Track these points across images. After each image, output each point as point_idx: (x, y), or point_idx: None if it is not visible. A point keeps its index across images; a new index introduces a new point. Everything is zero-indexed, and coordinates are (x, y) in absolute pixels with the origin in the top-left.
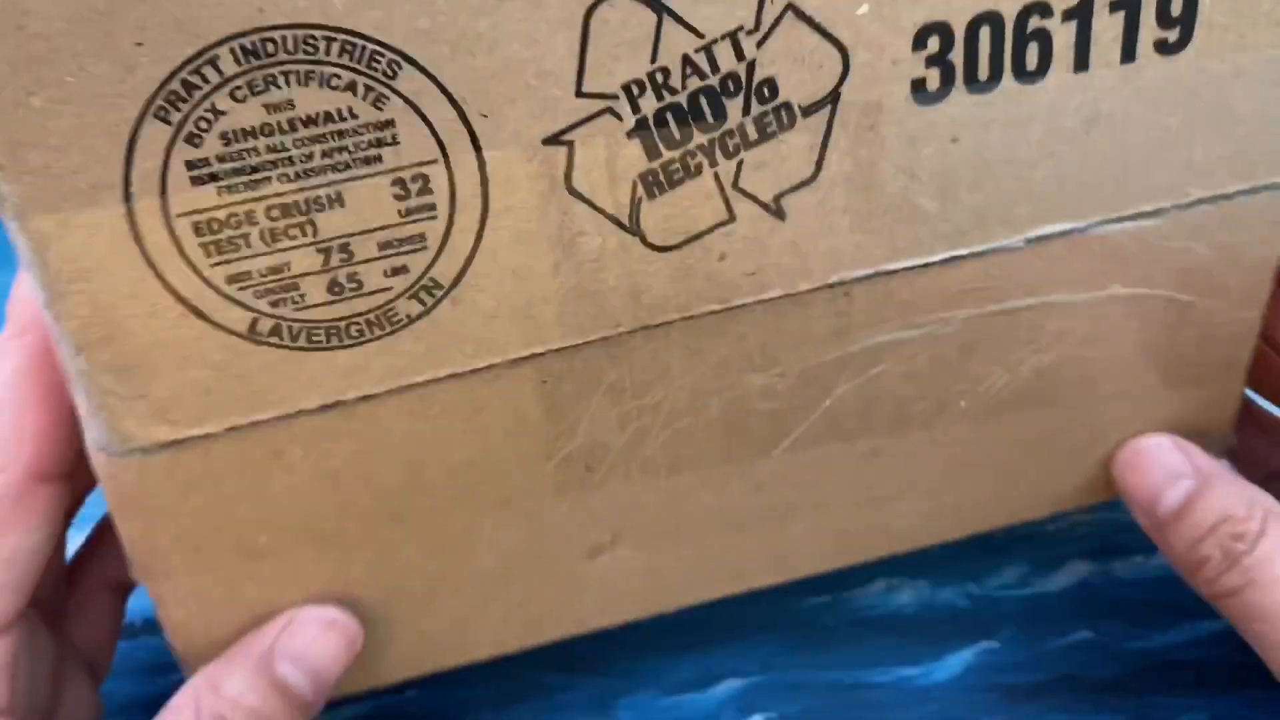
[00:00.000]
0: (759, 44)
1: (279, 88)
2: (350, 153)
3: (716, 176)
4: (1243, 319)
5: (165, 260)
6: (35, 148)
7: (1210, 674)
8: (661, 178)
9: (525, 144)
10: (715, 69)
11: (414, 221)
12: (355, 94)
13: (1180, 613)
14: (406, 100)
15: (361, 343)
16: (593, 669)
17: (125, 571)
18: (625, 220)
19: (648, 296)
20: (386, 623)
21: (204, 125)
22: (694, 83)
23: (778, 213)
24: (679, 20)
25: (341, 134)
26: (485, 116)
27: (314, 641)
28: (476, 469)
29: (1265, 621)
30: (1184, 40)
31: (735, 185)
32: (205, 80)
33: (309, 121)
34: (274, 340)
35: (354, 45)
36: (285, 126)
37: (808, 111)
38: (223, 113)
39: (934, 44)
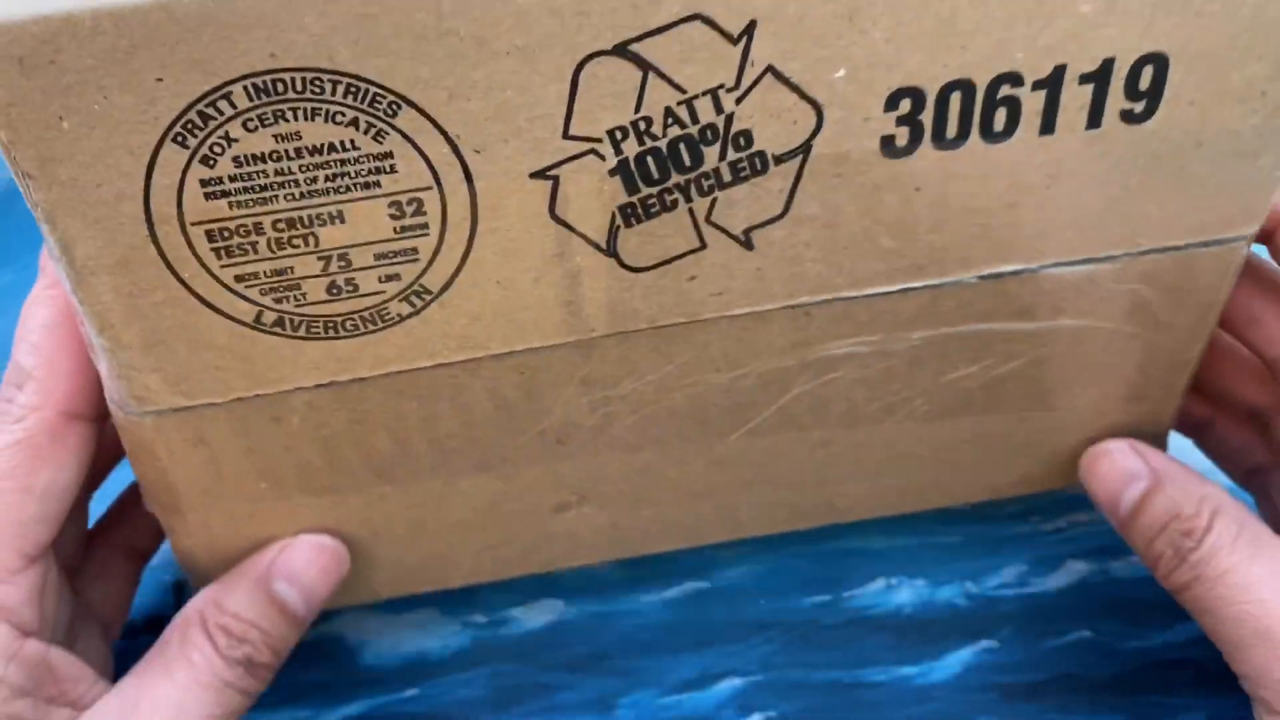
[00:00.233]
0: (738, 100)
1: (287, 121)
2: (351, 178)
3: (691, 211)
4: (1185, 353)
5: (180, 260)
6: (64, 163)
7: (1208, 673)
8: (639, 210)
9: (514, 176)
10: (695, 120)
11: (408, 238)
12: (358, 129)
13: (1178, 613)
14: (405, 136)
15: (356, 335)
16: (593, 669)
17: (143, 538)
18: (604, 244)
19: (621, 308)
20: (371, 555)
21: (218, 150)
22: (674, 131)
23: (747, 244)
24: (663, 77)
25: (344, 162)
26: (478, 152)
27: (307, 564)
28: (457, 440)
29: (1212, 614)
30: (1149, 112)
31: (708, 219)
32: (220, 112)
33: (314, 150)
34: (277, 330)
35: (358, 88)
36: (292, 154)
37: (780, 160)
38: (235, 140)
39: (905, 105)
